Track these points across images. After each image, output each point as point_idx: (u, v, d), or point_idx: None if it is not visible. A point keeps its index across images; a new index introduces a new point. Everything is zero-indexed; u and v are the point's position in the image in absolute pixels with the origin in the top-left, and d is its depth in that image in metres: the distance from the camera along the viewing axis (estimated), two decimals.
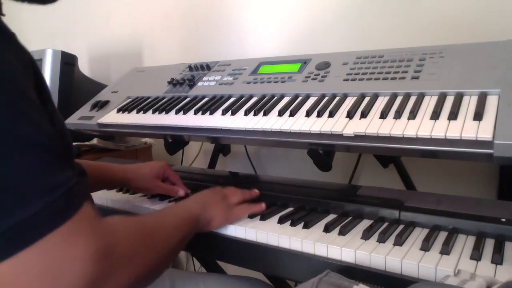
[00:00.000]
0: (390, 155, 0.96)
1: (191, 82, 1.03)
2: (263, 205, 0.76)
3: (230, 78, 0.98)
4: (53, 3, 0.53)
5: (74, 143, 1.34)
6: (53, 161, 0.40)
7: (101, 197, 0.96)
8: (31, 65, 0.45)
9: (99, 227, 0.43)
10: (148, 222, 0.55)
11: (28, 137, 0.39)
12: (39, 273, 0.37)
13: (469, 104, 0.64)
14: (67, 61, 1.39)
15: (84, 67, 1.75)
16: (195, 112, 0.88)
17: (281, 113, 0.77)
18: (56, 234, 0.38)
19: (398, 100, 0.71)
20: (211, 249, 0.73)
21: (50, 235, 0.37)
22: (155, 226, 0.55)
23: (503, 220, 0.62)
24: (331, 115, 0.72)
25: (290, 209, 0.79)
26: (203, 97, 0.95)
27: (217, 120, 0.83)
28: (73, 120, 1.09)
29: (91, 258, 0.39)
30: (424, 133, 0.60)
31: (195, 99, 0.95)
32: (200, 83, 1.02)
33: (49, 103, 0.48)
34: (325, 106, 0.74)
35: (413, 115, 0.65)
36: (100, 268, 0.40)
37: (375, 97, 0.74)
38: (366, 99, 0.74)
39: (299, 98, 0.81)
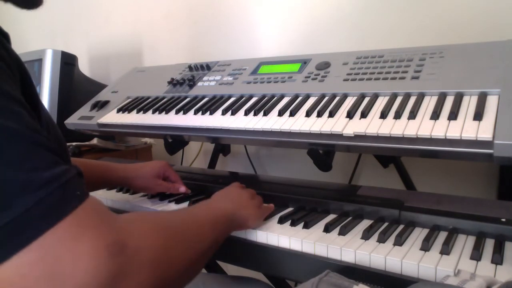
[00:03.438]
0: (390, 155, 0.96)
1: (191, 82, 1.03)
2: (271, 205, 0.77)
3: (230, 78, 0.98)
4: (35, 8, 0.52)
5: (74, 143, 1.34)
6: (43, 155, 0.37)
7: (101, 197, 0.96)
8: (18, 69, 0.43)
9: (110, 219, 0.39)
10: (173, 219, 0.50)
11: (14, 130, 0.36)
12: (43, 275, 0.33)
13: (469, 104, 0.64)
14: (67, 61, 1.39)
15: (84, 67, 1.75)
16: (195, 112, 0.88)
17: (281, 113, 0.77)
18: (56, 230, 0.34)
19: (398, 100, 0.71)
20: None
21: (50, 232, 0.34)
22: (182, 224, 0.50)
23: (503, 220, 0.62)
24: (331, 115, 0.72)
25: (290, 209, 0.79)
26: (203, 97, 0.95)
27: (217, 120, 0.83)
28: (73, 120, 1.09)
29: (102, 253, 0.35)
30: (424, 133, 0.60)
31: (195, 99, 0.95)
32: (200, 83, 1.02)
33: (38, 109, 0.46)
34: (325, 106, 0.74)
35: (413, 115, 0.65)
36: (115, 263, 0.36)
37: (375, 97, 0.74)
38: (366, 99, 0.74)
39: (299, 98, 0.81)
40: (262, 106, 0.82)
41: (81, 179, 0.40)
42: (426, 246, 0.58)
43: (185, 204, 0.86)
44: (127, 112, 1.01)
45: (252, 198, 0.72)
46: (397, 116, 0.66)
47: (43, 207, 0.34)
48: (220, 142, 1.21)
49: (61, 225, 0.35)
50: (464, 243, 0.60)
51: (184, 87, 1.03)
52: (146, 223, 0.43)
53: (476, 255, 0.56)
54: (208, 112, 0.86)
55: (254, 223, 0.69)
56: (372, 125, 0.66)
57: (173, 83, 1.06)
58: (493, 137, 0.55)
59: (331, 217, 0.74)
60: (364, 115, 0.69)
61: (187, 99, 0.97)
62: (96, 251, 0.35)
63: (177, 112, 0.91)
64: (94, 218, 0.37)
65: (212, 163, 1.29)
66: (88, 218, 0.37)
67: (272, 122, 0.76)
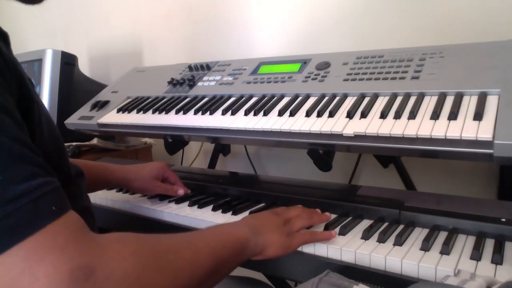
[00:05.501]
0: (390, 155, 0.96)
1: (191, 82, 1.03)
2: (332, 233, 0.64)
3: (230, 78, 0.98)
4: (39, 3, 0.51)
5: (74, 143, 1.34)
6: (20, 166, 0.35)
7: (101, 197, 0.96)
8: (15, 74, 0.42)
9: (84, 240, 0.36)
10: (162, 244, 0.45)
11: None
12: None
13: (469, 104, 0.64)
14: (67, 61, 1.39)
15: (84, 67, 1.75)
16: (195, 112, 0.88)
17: (281, 113, 0.77)
18: (21, 248, 0.33)
19: (398, 100, 0.71)
20: None
21: (14, 249, 0.32)
22: (172, 249, 0.44)
23: (503, 220, 0.62)
24: (331, 115, 0.72)
25: None
26: (203, 97, 0.95)
27: (217, 120, 0.83)
28: (73, 120, 1.09)
29: (64, 278, 0.33)
30: (424, 133, 0.60)
31: (195, 99, 0.95)
32: (200, 83, 1.02)
33: (34, 108, 0.45)
34: (325, 106, 0.74)
35: (413, 115, 0.65)
36: None
37: (375, 97, 0.74)
38: (366, 99, 0.74)
39: (299, 98, 0.81)
40: (262, 106, 0.82)
41: (60, 193, 0.38)
42: (426, 246, 0.58)
43: (185, 204, 0.86)
44: (127, 112, 1.01)
45: (285, 224, 0.62)
46: (397, 116, 0.66)
47: (9, 223, 0.33)
48: (220, 142, 1.21)
49: (27, 242, 0.33)
50: (464, 243, 0.60)
51: (184, 87, 1.03)
52: (127, 246, 0.39)
53: (476, 255, 0.56)
54: (208, 112, 0.86)
55: (275, 253, 0.59)
56: (372, 125, 0.66)
57: (173, 83, 1.06)
58: (493, 137, 0.55)
59: (331, 217, 0.74)
60: (364, 115, 0.69)
61: (187, 99, 0.97)
62: (58, 275, 0.33)
63: (177, 112, 0.91)
64: (65, 237, 0.35)
65: (212, 163, 1.29)
66: (58, 237, 0.35)
67: (272, 122, 0.76)
